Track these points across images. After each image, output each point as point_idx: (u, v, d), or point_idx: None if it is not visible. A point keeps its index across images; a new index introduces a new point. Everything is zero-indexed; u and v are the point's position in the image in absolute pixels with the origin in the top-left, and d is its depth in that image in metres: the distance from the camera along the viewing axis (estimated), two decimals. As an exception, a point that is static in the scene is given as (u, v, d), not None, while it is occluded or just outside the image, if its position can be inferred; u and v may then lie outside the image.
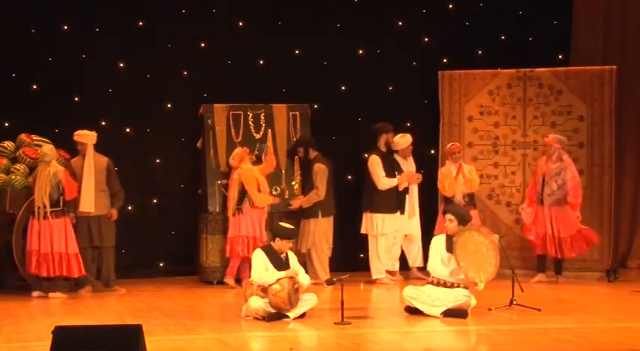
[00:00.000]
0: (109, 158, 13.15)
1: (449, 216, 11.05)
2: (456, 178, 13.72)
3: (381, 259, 13.70)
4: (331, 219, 13.73)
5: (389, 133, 13.87)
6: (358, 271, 13.64)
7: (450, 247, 10.87)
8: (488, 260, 10.71)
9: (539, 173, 13.43)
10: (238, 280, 13.27)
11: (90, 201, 12.78)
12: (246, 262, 13.11)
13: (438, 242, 11.05)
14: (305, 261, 13.37)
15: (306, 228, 13.61)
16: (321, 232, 13.62)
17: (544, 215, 13.35)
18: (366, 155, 14.05)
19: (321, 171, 13.60)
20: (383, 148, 13.84)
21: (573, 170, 13.44)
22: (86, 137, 13.01)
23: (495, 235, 10.99)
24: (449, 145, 13.92)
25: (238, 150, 13.51)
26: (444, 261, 10.90)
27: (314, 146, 13.75)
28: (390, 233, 13.72)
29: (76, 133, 13.04)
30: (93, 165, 12.88)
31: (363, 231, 13.84)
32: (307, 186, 13.70)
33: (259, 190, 13.26)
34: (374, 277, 13.70)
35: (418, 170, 14.21)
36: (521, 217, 13.68)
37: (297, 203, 13.61)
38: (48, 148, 12.70)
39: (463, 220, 10.98)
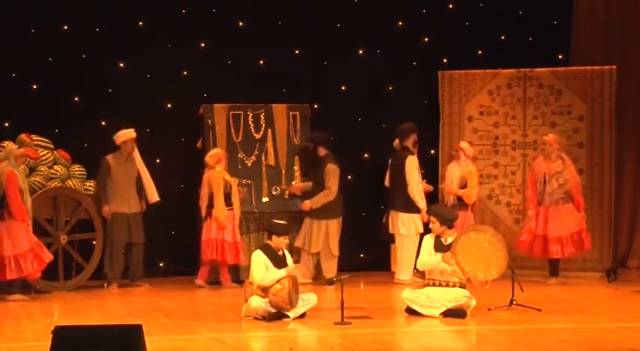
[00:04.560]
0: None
1: (431, 218, 11.11)
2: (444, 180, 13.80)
3: (411, 259, 13.30)
4: (341, 219, 13.67)
5: (415, 133, 13.76)
6: (358, 271, 13.65)
7: (438, 247, 10.87)
8: (494, 253, 10.70)
9: (540, 173, 13.38)
10: (215, 282, 13.22)
11: (154, 192, 13.42)
12: (226, 265, 13.17)
13: (428, 241, 11.04)
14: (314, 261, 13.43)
15: (320, 229, 13.44)
16: (334, 232, 13.51)
17: (539, 215, 13.31)
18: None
19: (333, 171, 13.47)
20: (412, 148, 13.70)
21: (573, 170, 13.44)
22: (127, 138, 13.38)
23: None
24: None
25: (218, 150, 13.43)
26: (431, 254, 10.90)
27: (324, 144, 13.67)
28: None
29: (120, 134, 13.38)
30: (141, 159, 13.42)
31: (394, 231, 13.53)
32: (316, 185, 13.55)
33: (229, 197, 13.20)
34: (401, 278, 13.40)
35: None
36: (524, 219, 13.66)
37: (307, 205, 13.42)
38: (8, 148, 12.44)
39: (445, 221, 10.97)
